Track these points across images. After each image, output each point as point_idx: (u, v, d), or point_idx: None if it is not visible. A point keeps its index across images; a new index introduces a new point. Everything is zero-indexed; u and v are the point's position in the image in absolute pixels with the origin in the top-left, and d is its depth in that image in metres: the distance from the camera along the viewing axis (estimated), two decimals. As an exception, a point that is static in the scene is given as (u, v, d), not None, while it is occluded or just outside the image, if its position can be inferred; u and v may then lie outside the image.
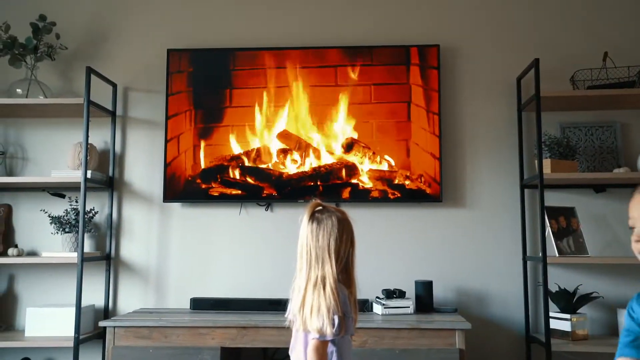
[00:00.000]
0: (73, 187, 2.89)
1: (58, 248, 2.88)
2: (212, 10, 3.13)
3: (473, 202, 2.93)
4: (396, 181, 2.88)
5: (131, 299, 2.97)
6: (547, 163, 2.64)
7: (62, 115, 3.02)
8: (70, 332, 2.63)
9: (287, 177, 2.92)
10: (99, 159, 3.00)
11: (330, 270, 1.57)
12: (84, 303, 2.71)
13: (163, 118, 2.99)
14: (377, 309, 2.67)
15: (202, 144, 2.96)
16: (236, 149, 2.95)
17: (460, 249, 2.90)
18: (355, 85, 2.93)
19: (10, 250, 2.87)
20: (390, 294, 2.67)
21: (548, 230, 2.66)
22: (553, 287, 2.69)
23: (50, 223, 2.87)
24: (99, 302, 2.94)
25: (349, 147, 2.91)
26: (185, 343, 2.47)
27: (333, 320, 1.52)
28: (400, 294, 2.69)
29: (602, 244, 2.83)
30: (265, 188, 2.92)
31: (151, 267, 2.99)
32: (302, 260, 1.62)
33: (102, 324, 2.56)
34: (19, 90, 2.95)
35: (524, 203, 2.87)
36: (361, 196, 2.88)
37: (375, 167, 2.90)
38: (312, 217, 1.63)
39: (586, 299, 2.65)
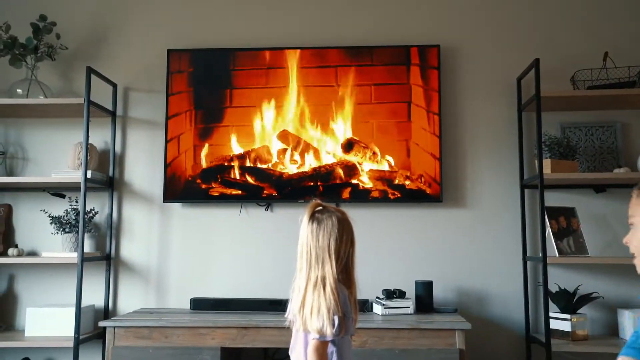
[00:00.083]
0: (73, 187, 2.89)
1: (58, 248, 2.88)
2: (212, 10, 3.13)
3: (473, 202, 2.93)
4: (396, 181, 2.88)
5: (131, 299, 2.97)
6: (547, 163, 2.64)
7: (62, 115, 3.02)
8: (70, 332, 2.63)
9: (287, 177, 2.92)
10: (99, 159, 3.00)
11: (330, 271, 1.57)
12: (84, 303, 2.71)
13: (163, 118, 2.99)
14: (377, 309, 2.67)
15: (203, 144, 2.96)
16: (236, 149, 2.95)
17: (460, 249, 2.90)
18: (356, 86, 2.93)
19: (11, 250, 2.88)
20: (390, 294, 2.67)
21: (548, 230, 2.66)
22: (553, 287, 2.69)
23: (51, 223, 2.87)
24: (99, 302, 2.94)
25: (349, 147, 2.91)
26: (186, 343, 2.47)
27: (333, 320, 1.52)
28: (401, 294, 2.69)
29: (602, 244, 2.83)
30: (265, 188, 2.92)
31: (151, 267, 2.99)
32: (302, 260, 1.61)
33: (102, 324, 2.56)
34: (19, 91, 2.95)
35: (524, 203, 2.87)
36: (361, 196, 2.88)
37: (375, 167, 2.90)
38: (312, 217, 1.63)
39: (586, 299, 2.65)
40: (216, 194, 2.93)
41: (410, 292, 2.74)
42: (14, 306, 2.99)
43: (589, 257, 2.71)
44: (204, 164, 2.95)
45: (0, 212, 3.00)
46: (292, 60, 2.96)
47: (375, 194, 2.88)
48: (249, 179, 2.93)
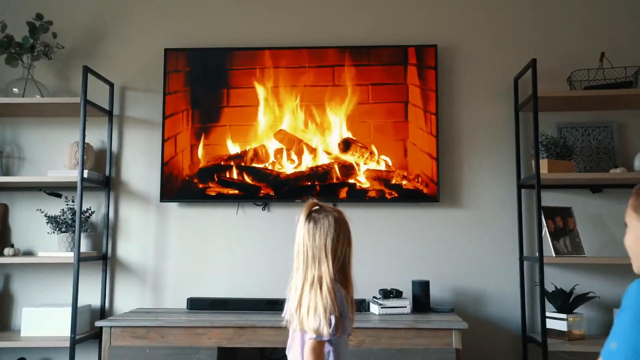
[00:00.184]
0: (70, 187, 2.88)
1: (54, 248, 2.87)
2: (210, 10, 3.12)
3: (470, 202, 2.93)
4: (393, 181, 2.88)
5: (128, 298, 2.96)
6: (544, 163, 2.64)
7: (58, 114, 3.01)
8: (67, 332, 2.62)
9: (284, 177, 2.92)
10: (96, 158, 3.00)
11: (327, 270, 1.57)
12: (80, 303, 2.70)
13: (160, 117, 2.99)
14: (374, 308, 2.67)
15: (200, 143, 2.95)
16: (233, 148, 2.95)
17: (457, 249, 2.90)
18: (353, 85, 2.93)
19: (7, 250, 2.87)
20: (387, 293, 2.68)
21: (545, 230, 2.67)
22: (549, 287, 2.70)
23: (47, 223, 2.86)
24: (96, 302, 2.94)
25: (346, 146, 2.91)
26: (182, 343, 2.47)
27: (330, 320, 1.52)
28: (397, 294, 2.69)
29: (598, 244, 2.84)
30: (262, 188, 2.92)
31: (148, 267, 2.98)
32: (299, 260, 1.61)
33: (98, 324, 2.55)
34: (15, 90, 2.94)
35: (521, 203, 2.87)
36: (358, 196, 2.88)
37: (372, 167, 2.90)
38: (309, 216, 1.63)
39: (582, 299, 2.66)
40: (213, 194, 2.93)
41: (407, 291, 2.74)
42: (10, 306, 2.98)
43: (585, 257, 2.72)
44: (201, 164, 2.94)
45: (-4, 211, 2.99)
46: (290, 60, 2.96)
47: (372, 193, 2.88)
48: (246, 179, 2.93)
